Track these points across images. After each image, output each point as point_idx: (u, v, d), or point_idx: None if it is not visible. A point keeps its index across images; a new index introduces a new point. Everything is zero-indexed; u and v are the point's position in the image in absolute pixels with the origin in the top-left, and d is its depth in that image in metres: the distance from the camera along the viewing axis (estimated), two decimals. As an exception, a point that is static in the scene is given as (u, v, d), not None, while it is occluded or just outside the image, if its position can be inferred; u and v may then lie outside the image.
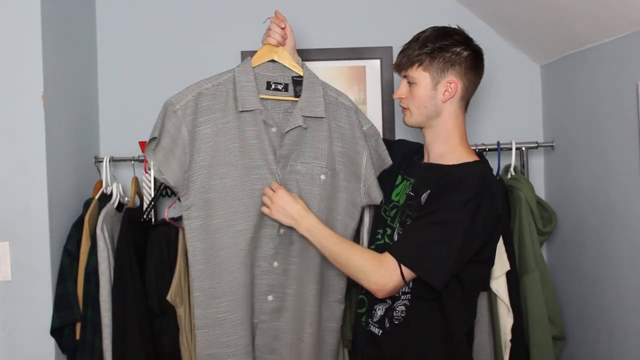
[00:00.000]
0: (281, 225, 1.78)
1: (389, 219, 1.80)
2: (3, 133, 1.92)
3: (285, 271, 1.83)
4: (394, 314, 1.69)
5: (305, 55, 2.35)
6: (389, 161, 1.92)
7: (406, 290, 1.68)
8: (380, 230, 1.81)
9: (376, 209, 1.91)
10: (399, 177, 1.86)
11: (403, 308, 1.68)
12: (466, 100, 1.77)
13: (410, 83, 1.73)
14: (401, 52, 1.75)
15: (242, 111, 1.78)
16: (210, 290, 1.80)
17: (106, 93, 2.42)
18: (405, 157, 1.91)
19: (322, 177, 1.82)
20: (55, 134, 2.00)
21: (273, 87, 1.84)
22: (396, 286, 1.63)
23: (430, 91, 1.71)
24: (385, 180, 1.90)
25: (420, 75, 1.70)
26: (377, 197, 1.87)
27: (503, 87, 2.42)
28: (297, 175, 1.81)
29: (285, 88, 1.85)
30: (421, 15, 2.38)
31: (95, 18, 2.41)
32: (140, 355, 1.99)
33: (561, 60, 2.21)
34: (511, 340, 1.96)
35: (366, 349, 1.77)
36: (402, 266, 1.60)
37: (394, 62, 1.79)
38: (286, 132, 1.79)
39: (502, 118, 2.42)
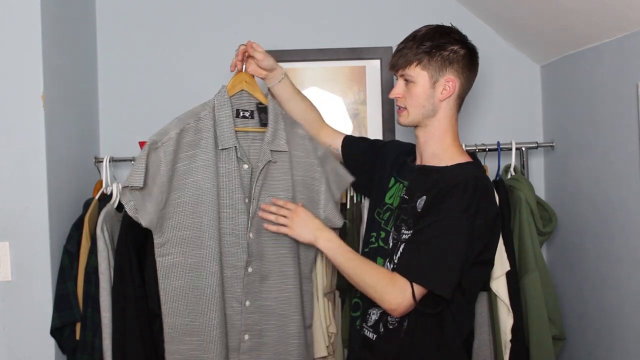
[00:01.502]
0: (248, 264, 1.80)
1: (383, 222, 1.79)
2: (3, 133, 1.92)
3: (259, 308, 1.83)
4: (389, 319, 1.68)
5: (305, 55, 2.36)
6: (349, 178, 1.95)
7: None
8: (374, 234, 1.80)
9: (370, 211, 1.90)
10: (392, 180, 1.84)
11: None
12: (461, 99, 1.76)
13: (407, 82, 1.71)
14: (397, 51, 1.74)
15: (222, 149, 1.78)
16: (183, 327, 1.79)
17: (106, 93, 2.42)
18: (397, 158, 1.89)
19: None
20: (55, 134, 2.00)
21: (241, 114, 1.86)
22: (410, 305, 1.61)
23: (429, 90, 1.70)
24: (378, 183, 1.89)
25: (419, 74, 1.69)
26: (338, 222, 1.92)
27: (503, 87, 2.42)
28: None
29: (252, 115, 1.87)
30: (421, 15, 2.37)
31: (95, 18, 2.41)
32: (140, 355, 1.98)
33: (561, 60, 2.21)
34: (511, 340, 1.96)
35: (360, 354, 1.75)
36: (414, 284, 1.60)
37: (395, 57, 1.75)
38: (260, 170, 1.80)
39: (502, 118, 2.42)
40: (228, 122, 1.79)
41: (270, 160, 1.81)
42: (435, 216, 1.62)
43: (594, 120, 1.98)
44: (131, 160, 2.27)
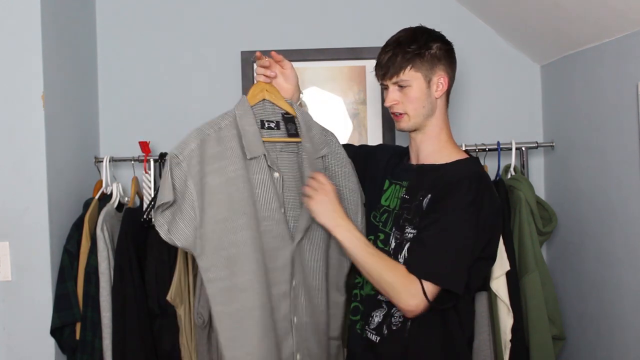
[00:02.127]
0: (292, 277, 1.71)
1: (380, 224, 1.78)
2: (3, 133, 1.92)
3: (304, 325, 1.74)
4: (392, 320, 1.67)
5: (305, 55, 2.36)
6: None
7: None
8: (372, 237, 1.78)
9: (365, 215, 1.88)
10: (387, 182, 1.84)
11: (400, 313, 1.66)
12: (449, 95, 1.78)
13: (402, 87, 1.70)
14: (384, 61, 1.71)
15: (251, 158, 1.67)
16: (248, 358, 1.65)
17: (106, 93, 2.42)
18: (389, 161, 1.88)
19: None
20: (55, 134, 2.00)
21: (266, 125, 1.75)
22: (427, 305, 1.59)
23: (426, 90, 1.70)
24: (371, 186, 1.88)
25: (413, 77, 1.69)
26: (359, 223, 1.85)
27: (503, 87, 2.42)
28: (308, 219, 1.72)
29: (277, 126, 1.77)
30: (421, 15, 2.36)
31: (95, 18, 2.41)
32: (140, 355, 1.99)
33: (561, 60, 2.21)
34: (511, 340, 1.96)
35: (363, 357, 1.74)
36: (424, 282, 1.57)
37: (377, 73, 1.74)
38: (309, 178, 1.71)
39: (502, 118, 2.42)
40: (253, 130, 1.68)
41: (325, 168, 1.75)
42: (441, 212, 1.61)
43: (594, 120, 1.98)
44: (131, 160, 2.27)
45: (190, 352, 2.08)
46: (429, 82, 1.70)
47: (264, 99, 1.77)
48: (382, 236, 1.76)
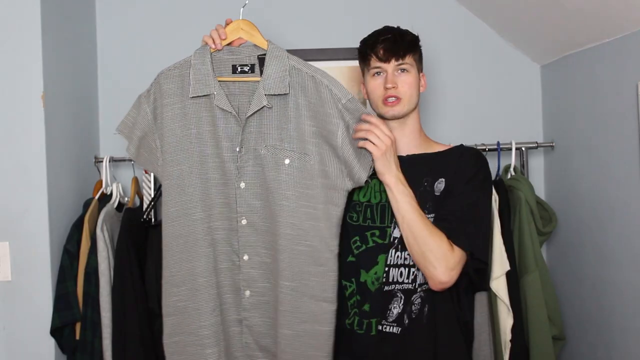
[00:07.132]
0: (240, 216, 1.70)
1: (369, 221, 1.73)
2: (3, 133, 1.92)
3: (259, 264, 1.72)
4: (412, 308, 1.67)
5: (305, 55, 2.35)
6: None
7: (422, 282, 1.67)
8: (357, 237, 1.73)
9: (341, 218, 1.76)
10: None
11: (419, 300, 1.67)
12: None
13: (402, 71, 1.73)
14: (388, 44, 1.72)
15: (194, 97, 1.69)
16: (170, 279, 1.73)
17: (106, 93, 2.42)
18: None
19: (287, 161, 1.67)
20: (55, 134, 2.00)
21: (239, 69, 1.71)
22: (455, 277, 1.61)
23: (418, 80, 1.76)
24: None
25: (412, 64, 1.75)
26: (362, 177, 1.68)
27: (503, 87, 2.42)
28: (261, 160, 1.69)
29: (252, 69, 1.72)
30: (421, 16, 2.38)
31: (95, 18, 2.41)
32: (140, 355, 1.99)
33: (561, 60, 2.21)
34: (511, 340, 1.96)
35: (379, 352, 1.70)
36: (464, 253, 1.61)
37: (377, 56, 1.72)
38: (248, 116, 1.67)
39: (502, 118, 2.42)
40: (204, 70, 1.69)
41: (264, 106, 1.66)
42: (465, 188, 1.66)
43: (594, 120, 1.98)
44: (131, 160, 2.26)
45: (190, 352, 2.08)
46: (418, 74, 1.77)
47: (239, 39, 1.74)
48: (377, 232, 1.73)
